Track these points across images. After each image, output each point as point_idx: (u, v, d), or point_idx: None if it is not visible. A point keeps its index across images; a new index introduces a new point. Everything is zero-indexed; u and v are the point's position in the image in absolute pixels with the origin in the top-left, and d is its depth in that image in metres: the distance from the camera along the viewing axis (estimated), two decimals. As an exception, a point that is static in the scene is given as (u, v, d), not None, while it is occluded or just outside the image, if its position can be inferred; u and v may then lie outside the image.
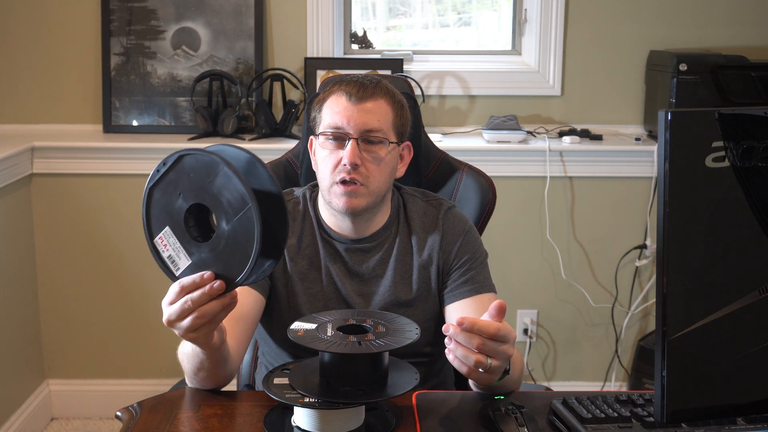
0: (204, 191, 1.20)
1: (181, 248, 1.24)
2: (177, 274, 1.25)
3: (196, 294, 1.21)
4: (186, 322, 1.23)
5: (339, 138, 1.61)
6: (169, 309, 1.24)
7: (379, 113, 1.62)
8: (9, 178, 2.76)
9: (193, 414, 1.38)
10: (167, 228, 1.24)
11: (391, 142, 1.63)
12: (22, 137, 2.92)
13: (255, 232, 1.17)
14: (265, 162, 1.94)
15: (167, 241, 1.25)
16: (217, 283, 1.21)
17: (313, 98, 1.74)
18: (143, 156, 2.90)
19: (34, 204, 2.96)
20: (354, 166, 1.58)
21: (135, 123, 3.03)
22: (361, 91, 1.61)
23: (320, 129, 1.64)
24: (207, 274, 1.21)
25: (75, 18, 3.02)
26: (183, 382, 1.50)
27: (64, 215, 2.97)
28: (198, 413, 1.38)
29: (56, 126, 3.07)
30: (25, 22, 3.02)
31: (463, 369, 1.26)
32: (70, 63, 3.04)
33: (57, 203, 2.96)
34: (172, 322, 1.25)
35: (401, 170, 1.71)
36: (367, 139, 1.60)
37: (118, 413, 1.40)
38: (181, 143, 2.88)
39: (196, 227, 1.23)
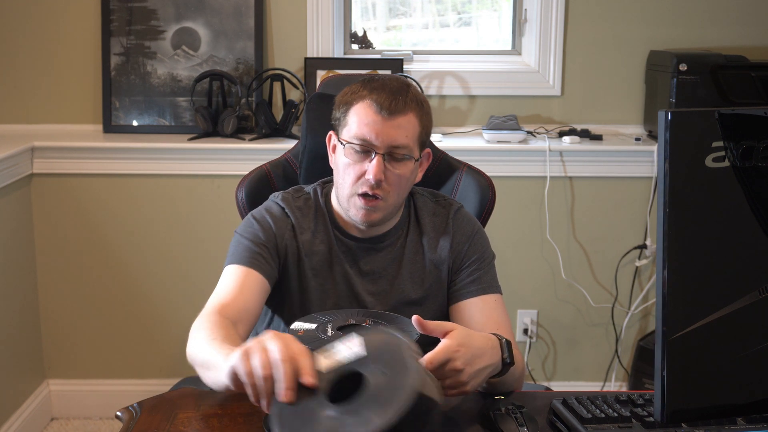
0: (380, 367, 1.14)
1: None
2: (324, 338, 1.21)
3: (288, 368, 1.13)
4: (247, 378, 1.17)
5: (365, 151, 1.59)
6: (256, 358, 1.16)
7: (408, 128, 1.59)
8: (9, 178, 2.76)
9: (193, 414, 1.38)
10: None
11: (415, 159, 1.62)
12: (22, 137, 2.91)
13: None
14: (265, 162, 1.96)
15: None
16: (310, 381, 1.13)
17: (315, 96, 1.73)
18: (143, 156, 2.90)
19: (34, 204, 2.95)
20: (378, 183, 1.58)
21: (135, 123, 3.03)
22: (393, 104, 1.58)
23: (346, 135, 1.61)
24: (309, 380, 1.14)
25: (75, 18, 3.02)
26: (183, 382, 1.50)
27: (64, 215, 2.97)
28: (198, 413, 1.38)
29: (56, 126, 3.07)
30: (25, 22, 3.01)
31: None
32: (70, 63, 3.04)
33: (57, 203, 2.96)
34: (237, 368, 1.18)
35: (419, 176, 1.70)
36: (392, 154, 1.59)
37: (118, 413, 1.40)
38: (181, 143, 2.89)
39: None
